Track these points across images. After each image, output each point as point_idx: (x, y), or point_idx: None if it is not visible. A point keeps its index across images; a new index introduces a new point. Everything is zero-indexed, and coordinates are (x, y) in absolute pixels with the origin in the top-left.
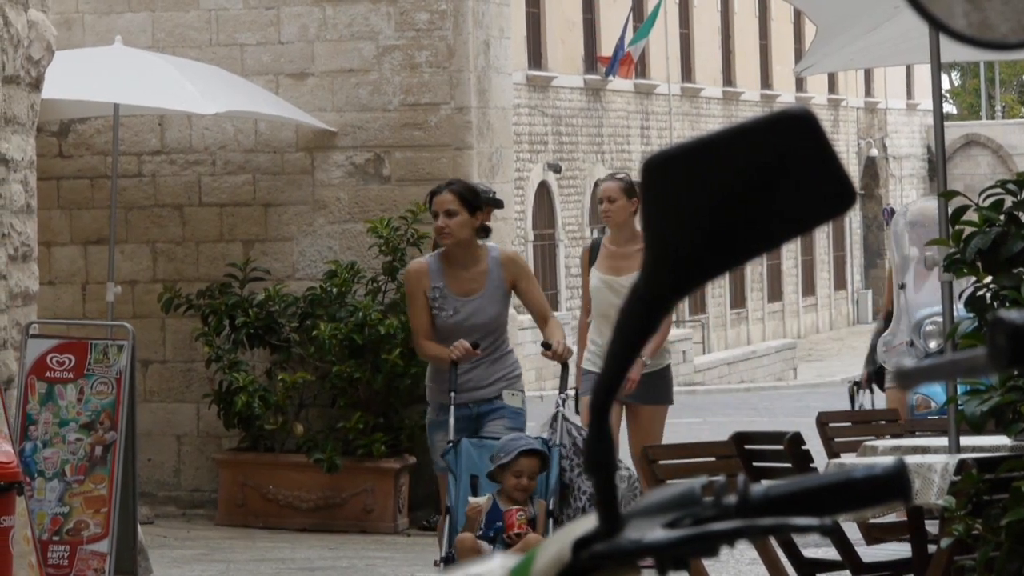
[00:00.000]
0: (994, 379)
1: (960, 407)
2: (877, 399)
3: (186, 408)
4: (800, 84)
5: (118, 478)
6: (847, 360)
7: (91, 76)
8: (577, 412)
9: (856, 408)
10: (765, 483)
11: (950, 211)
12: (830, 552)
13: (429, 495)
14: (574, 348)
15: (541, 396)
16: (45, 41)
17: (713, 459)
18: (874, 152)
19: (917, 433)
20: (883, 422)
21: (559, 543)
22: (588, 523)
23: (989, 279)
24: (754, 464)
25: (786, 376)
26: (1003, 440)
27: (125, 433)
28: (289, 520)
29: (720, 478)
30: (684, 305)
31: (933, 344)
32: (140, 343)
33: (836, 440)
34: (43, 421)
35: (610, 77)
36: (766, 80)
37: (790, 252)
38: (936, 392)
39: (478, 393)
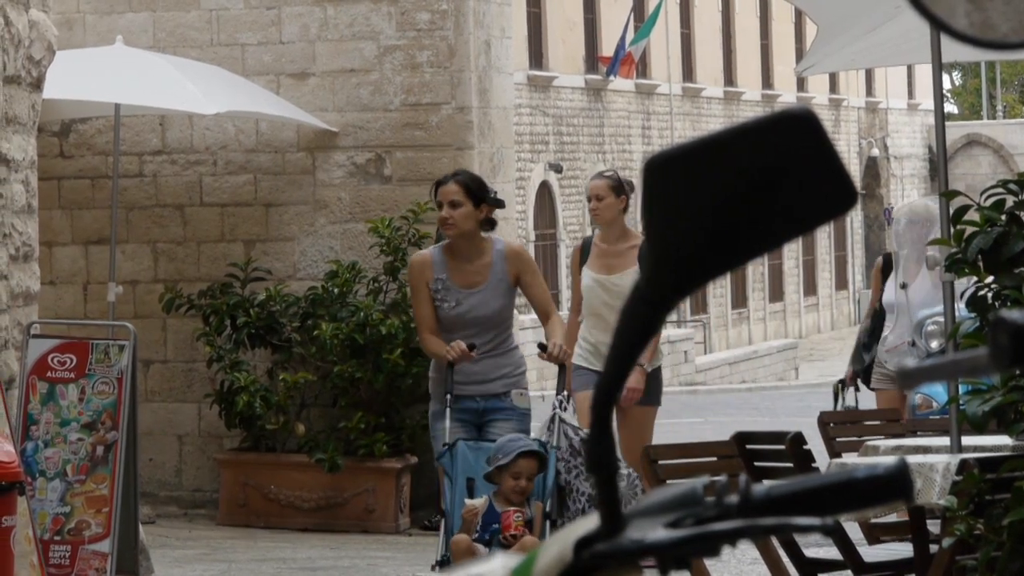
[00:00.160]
0: (996, 379)
1: (962, 407)
2: (862, 398)
3: (187, 408)
4: (801, 84)
5: (119, 478)
6: (848, 360)
7: (92, 76)
8: (565, 409)
9: (839, 406)
10: (767, 483)
11: (951, 211)
12: (832, 552)
13: (431, 495)
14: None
15: (543, 396)
16: (46, 41)
17: (715, 459)
18: (875, 152)
19: (919, 433)
20: (884, 422)
21: (561, 543)
22: (590, 523)
23: (990, 279)
24: (756, 464)
25: (787, 376)
26: (1005, 440)
27: (126, 433)
28: (290, 520)
29: (722, 478)
30: (686, 305)
31: (935, 344)
32: (141, 343)
33: (838, 440)
34: (44, 421)
35: (611, 77)
36: (767, 80)
37: (791, 252)
38: (938, 392)
39: (484, 387)
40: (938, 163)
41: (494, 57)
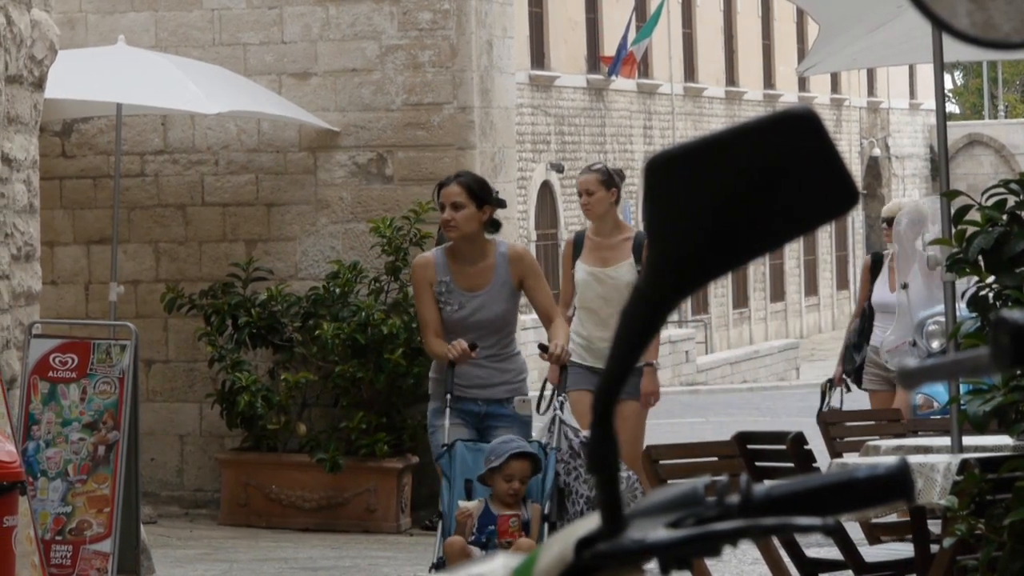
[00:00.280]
0: (997, 379)
1: (963, 407)
2: (852, 398)
3: (189, 408)
4: (803, 84)
5: (121, 478)
6: (837, 360)
7: (94, 76)
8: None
9: (825, 407)
10: (768, 483)
11: (953, 211)
12: (832, 552)
13: (432, 495)
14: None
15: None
16: (48, 40)
17: (716, 459)
18: (877, 152)
19: (920, 433)
20: (885, 422)
21: (562, 543)
22: (591, 523)
23: (992, 279)
24: (757, 464)
25: (788, 376)
26: (1006, 440)
27: (128, 433)
28: (292, 520)
29: (723, 478)
30: (687, 305)
31: (936, 344)
32: (143, 343)
33: (838, 440)
34: (46, 421)
35: (613, 77)
36: (769, 80)
37: (793, 252)
38: (939, 392)
39: (486, 392)
40: (940, 163)
41: (496, 57)
